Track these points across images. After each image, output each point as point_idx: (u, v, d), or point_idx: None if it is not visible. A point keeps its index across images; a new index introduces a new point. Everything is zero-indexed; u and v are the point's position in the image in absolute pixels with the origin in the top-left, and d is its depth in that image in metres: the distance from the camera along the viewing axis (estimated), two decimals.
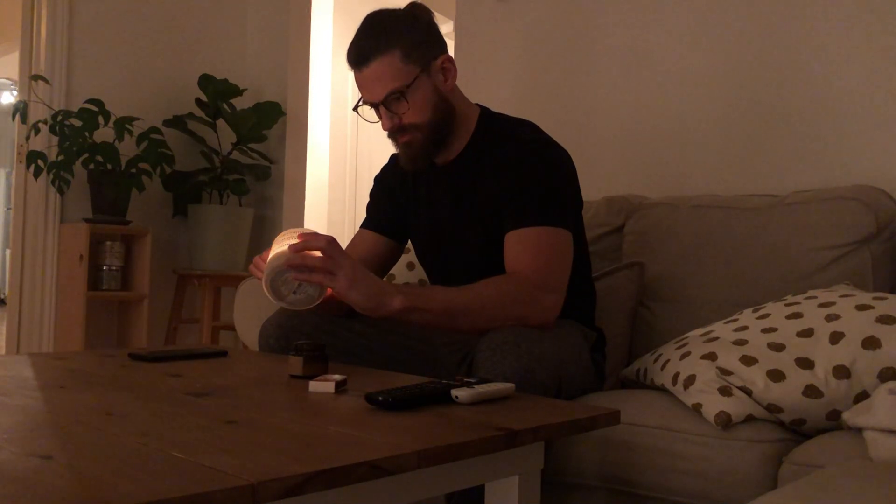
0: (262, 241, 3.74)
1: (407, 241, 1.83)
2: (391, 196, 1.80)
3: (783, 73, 2.21)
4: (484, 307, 1.45)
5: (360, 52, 1.56)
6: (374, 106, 1.60)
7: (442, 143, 1.64)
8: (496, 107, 1.75)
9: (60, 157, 3.11)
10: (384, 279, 2.27)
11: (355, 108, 1.64)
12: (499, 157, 1.60)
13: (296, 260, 1.37)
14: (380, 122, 1.62)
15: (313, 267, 1.37)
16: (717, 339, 1.51)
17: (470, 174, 1.64)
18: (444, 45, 1.64)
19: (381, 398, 1.06)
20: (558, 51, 2.68)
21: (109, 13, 3.44)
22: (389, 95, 1.55)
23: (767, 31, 2.25)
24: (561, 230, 1.54)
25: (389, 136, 1.64)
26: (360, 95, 1.61)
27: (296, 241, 1.40)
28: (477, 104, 1.71)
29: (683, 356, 1.49)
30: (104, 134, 3.16)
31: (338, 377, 1.20)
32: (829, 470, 0.97)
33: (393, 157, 1.83)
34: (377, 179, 1.86)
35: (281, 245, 1.44)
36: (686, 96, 2.39)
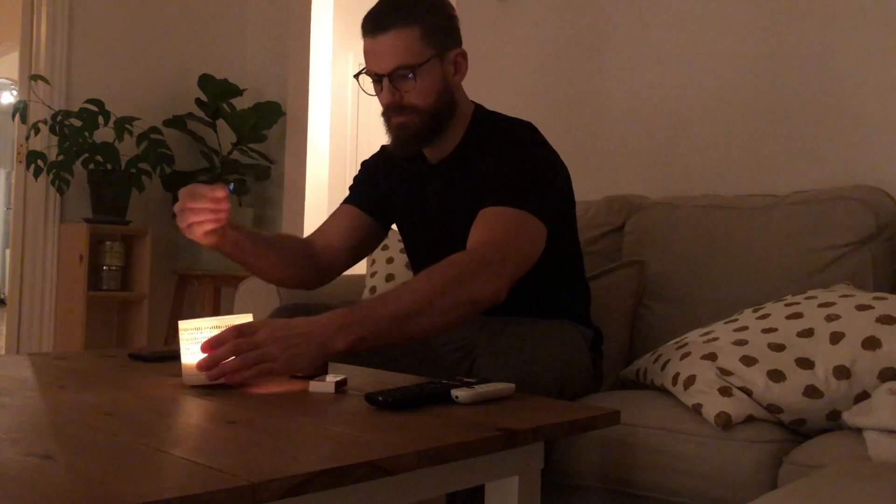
0: None
1: (388, 229, 1.82)
2: (377, 182, 1.77)
3: (783, 74, 2.21)
4: (431, 303, 1.32)
5: (379, 20, 1.52)
6: (379, 78, 1.55)
7: (435, 134, 1.60)
8: (496, 108, 1.74)
9: (60, 158, 3.11)
10: (369, 269, 2.24)
11: (357, 76, 1.60)
12: (489, 153, 1.58)
13: (216, 375, 1.16)
14: (377, 98, 1.58)
15: (241, 368, 1.17)
16: (717, 339, 1.51)
17: (462, 172, 1.63)
18: (460, 41, 1.62)
19: (381, 398, 1.06)
20: (558, 52, 2.68)
21: (109, 13, 3.44)
22: (398, 69, 1.52)
23: (767, 31, 2.25)
24: (531, 217, 1.46)
25: (385, 113, 1.59)
26: (364, 65, 1.56)
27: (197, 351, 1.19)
28: (472, 101, 1.70)
29: (683, 356, 1.49)
30: (104, 134, 3.16)
31: (338, 377, 1.20)
32: (829, 470, 0.97)
33: (383, 147, 1.81)
34: (365, 165, 1.83)
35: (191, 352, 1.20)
36: (686, 96, 2.39)
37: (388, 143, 1.64)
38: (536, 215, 1.47)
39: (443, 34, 1.57)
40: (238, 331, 1.19)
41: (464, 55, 1.62)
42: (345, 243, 1.74)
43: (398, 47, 1.51)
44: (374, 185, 1.78)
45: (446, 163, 1.65)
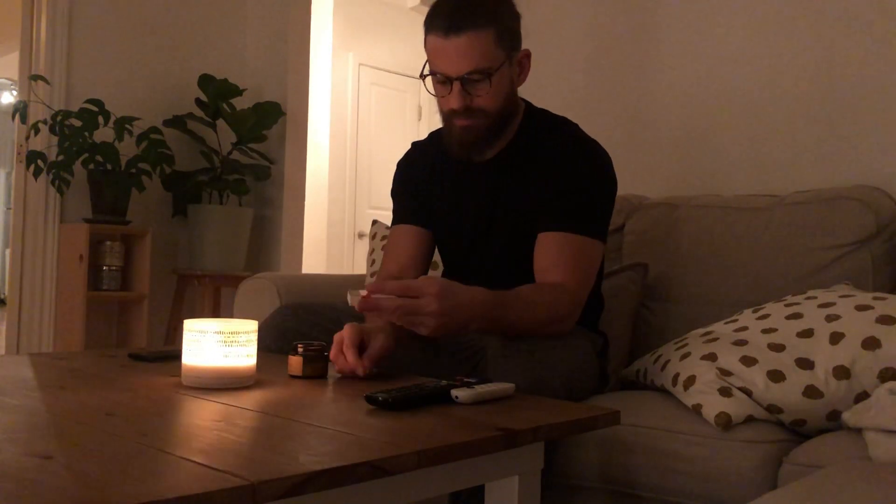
0: (262, 241, 3.74)
1: None
2: (416, 185, 1.74)
3: (782, 74, 2.21)
4: (535, 329, 1.43)
5: (455, 21, 1.45)
6: (448, 80, 1.50)
7: (497, 136, 1.58)
8: None
9: (60, 157, 3.11)
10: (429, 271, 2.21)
11: (422, 77, 1.54)
12: (546, 156, 1.57)
13: (371, 307, 1.28)
14: (439, 99, 1.53)
15: (395, 314, 1.28)
16: (717, 339, 1.51)
17: (513, 172, 1.60)
18: (521, 40, 1.59)
19: (381, 398, 1.06)
20: (555, 53, 2.68)
21: (109, 13, 3.44)
22: (472, 73, 1.47)
23: (769, 33, 2.25)
24: (598, 244, 1.56)
25: (449, 114, 1.54)
26: (428, 63, 1.52)
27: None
28: (522, 98, 1.66)
29: (683, 357, 1.49)
30: (104, 134, 3.15)
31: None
32: (829, 470, 0.97)
33: (414, 144, 1.79)
34: (401, 167, 1.78)
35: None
36: (685, 98, 2.39)
37: (450, 143, 1.59)
38: (600, 239, 1.56)
39: (513, 36, 1.53)
40: (406, 288, 1.28)
41: (528, 56, 1.58)
42: (417, 261, 1.71)
43: (472, 51, 1.46)
44: (414, 192, 1.74)
45: (493, 162, 1.62)
